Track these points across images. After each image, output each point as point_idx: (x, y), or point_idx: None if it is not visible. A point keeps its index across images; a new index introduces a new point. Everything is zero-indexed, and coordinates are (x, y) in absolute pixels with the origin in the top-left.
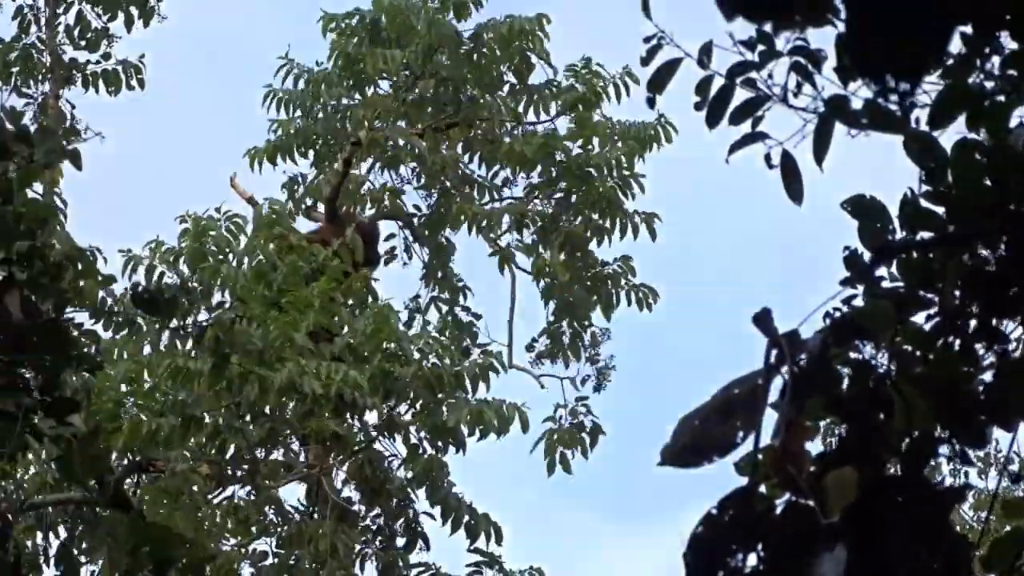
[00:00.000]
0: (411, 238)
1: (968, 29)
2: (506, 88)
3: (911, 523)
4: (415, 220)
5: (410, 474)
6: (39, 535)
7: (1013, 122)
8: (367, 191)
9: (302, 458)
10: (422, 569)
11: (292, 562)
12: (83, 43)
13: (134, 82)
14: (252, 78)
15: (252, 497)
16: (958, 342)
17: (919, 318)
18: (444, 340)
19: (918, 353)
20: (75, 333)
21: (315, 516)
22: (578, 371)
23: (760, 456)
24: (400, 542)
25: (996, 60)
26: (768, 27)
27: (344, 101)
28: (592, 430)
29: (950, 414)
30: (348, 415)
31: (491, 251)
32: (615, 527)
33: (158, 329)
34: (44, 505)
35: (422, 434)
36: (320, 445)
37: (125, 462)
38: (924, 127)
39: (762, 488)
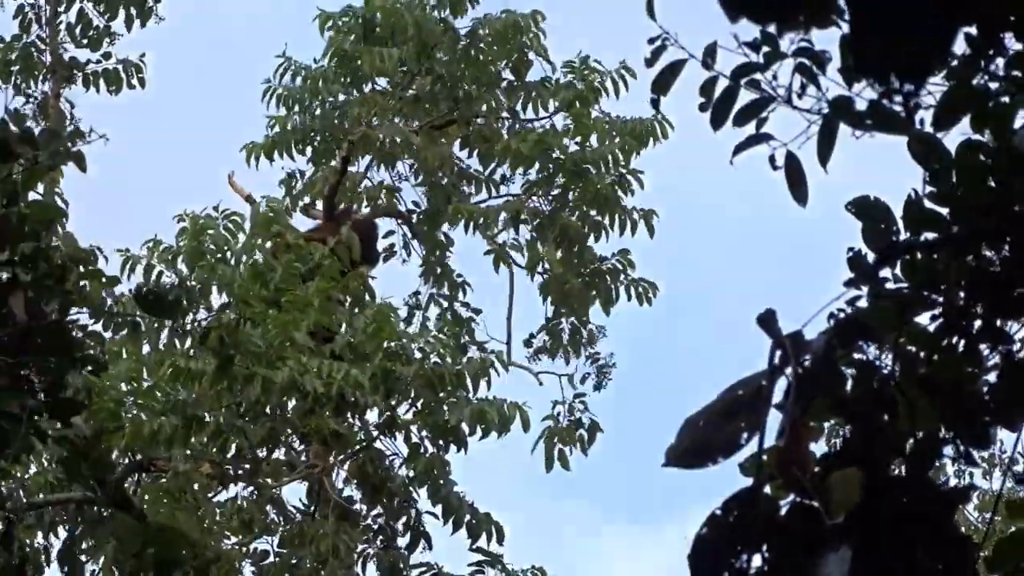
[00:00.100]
0: (409, 235)
1: (972, 30)
2: (503, 85)
3: (915, 524)
4: (413, 217)
5: (411, 473)
6: (39, 534)
7: (1017, 123)
8: (364, 189)
9: (303, 458)
10: (424, 569)
11: (294, 562)
12: (85, 41)
13: (135, 81)
14: (251, 77)
15: (254, 496)
16: (962, 343)
17: (923, 319)
18: (443, 338)
19: (922, 354)
20: (79, 334)
21: (316, 516)
22: (576, 368)
23: (765, 457)
24: (401, 542)
25: (1000, 61)
26: (772, 28)
27: (342, 98)
28: (590, 427)
29: (954, 415)
30: (349, 414)
31: (487, 249)
32: (619, 527)
33: (156, 328)
34: (45, 505)
35: (423, 433)
36: (321, 444)
37: (126, 461)
38: (928, 128)
39: (767, 489)
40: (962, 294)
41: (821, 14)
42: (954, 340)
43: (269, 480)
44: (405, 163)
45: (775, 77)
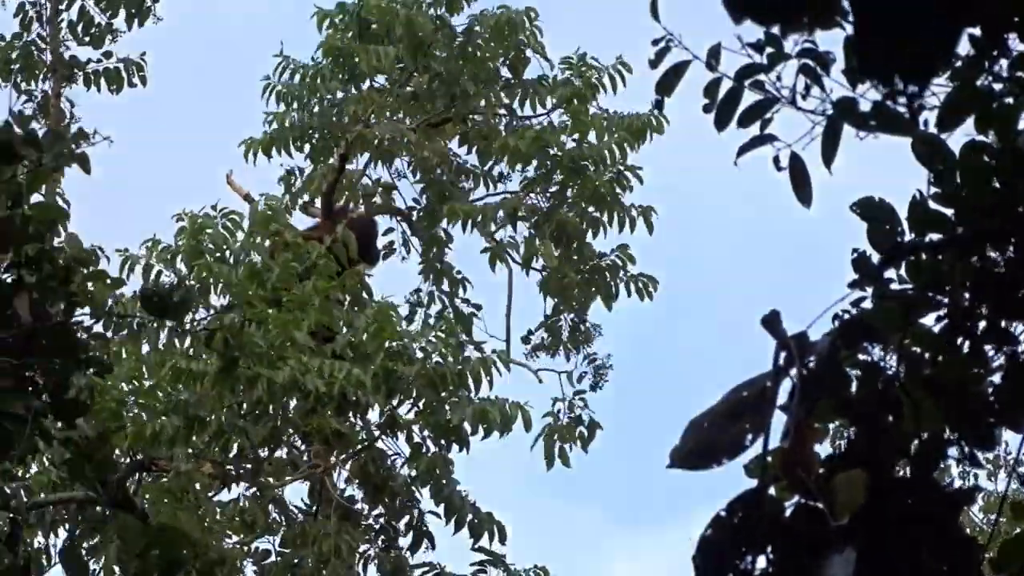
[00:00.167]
0: (409, 232)
1: (976, 31)
2: (501, 82)
3: (920, 525)
4: (413, 214)
5: (414, 472)
6: (39, 534)
7: (1021, 124)
8: (361, 186)
9: (305, 457)
10: (427, 569)
11: (295, 561)
12: (87, 39)
13: (136, 79)
14: (250, 75)
15: (256, 496)
16: (967, 344)
17: (928, 320)
18: (443, 336)
19: (927, 355)
20: (84, 336)
21: (318, 516)
22: (576, 365)
23: (769, 458)
24: (403, 542)
25: (1004, 62)
26: (776, 29)
27: (340, 95)
28: (590, 424)
29: (959, 416)
30: (351, 414)
31: (483, 248)
32: (623, 528)
33: (156, 328)
34: (45, 504)
35: (425, 433)
36: (323, 444)
37: (127, 461)
38: (932, 129)
39: (771, 490)
40: (967, 295)
41: (825, 15)
42: (959, 341)
43: (271, 480)
44: (403, 160)
45: (779, 78)
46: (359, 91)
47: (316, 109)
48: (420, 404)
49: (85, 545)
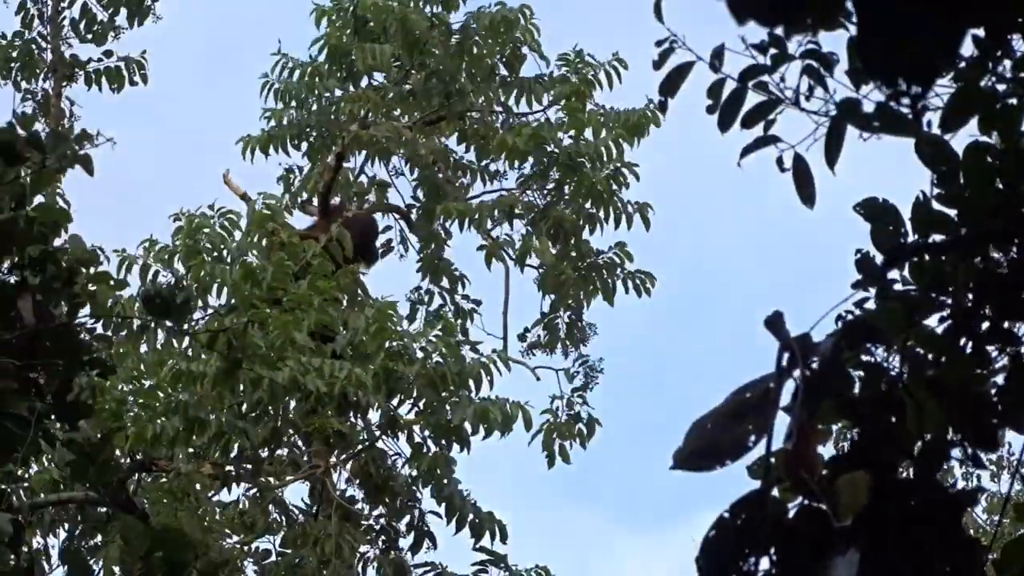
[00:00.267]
0: (407, 230)
1: (980, 32)
2: (497, 80)
3: (923, 526)
4: (412, 213)
5: (414, 472)
6: (38, 534)
7: None
8: (356, 185)
9: (305, 457)
10: (428, 568)
11: (296, 561)
12: (89, 36)
13: (137, 78)
14: (249, 74)
15: (256, 497)
16: (970, 345)
17: (931, 321)
18: (442, 336)
19: (930, 356)
20: (87, 337)
21: (318, 516)
22: (572, 364)
23: (773, 460)
24: (404, 542)
25: (1008, 63)
26: (780, 30)
27: (338, 93)
28: (588, 421)
29: (962, 417)
30: (351, 414)
31: (479, 245)
32: (626, 529)
33: (153, 328)
34: (45, 505)
35: (426, 433)
36: (323, 444)
37: (128, 462)
38: (936, 130)
39: (775, 492)
40: (970, 296)
41: (828, 16)
42: (962, 342)
43: (271, 480)
44: (400, 158)
45: (783, 79)
46: (357, 88)
47: (314, 107)
48: (420, 404)
49: (84, 545)
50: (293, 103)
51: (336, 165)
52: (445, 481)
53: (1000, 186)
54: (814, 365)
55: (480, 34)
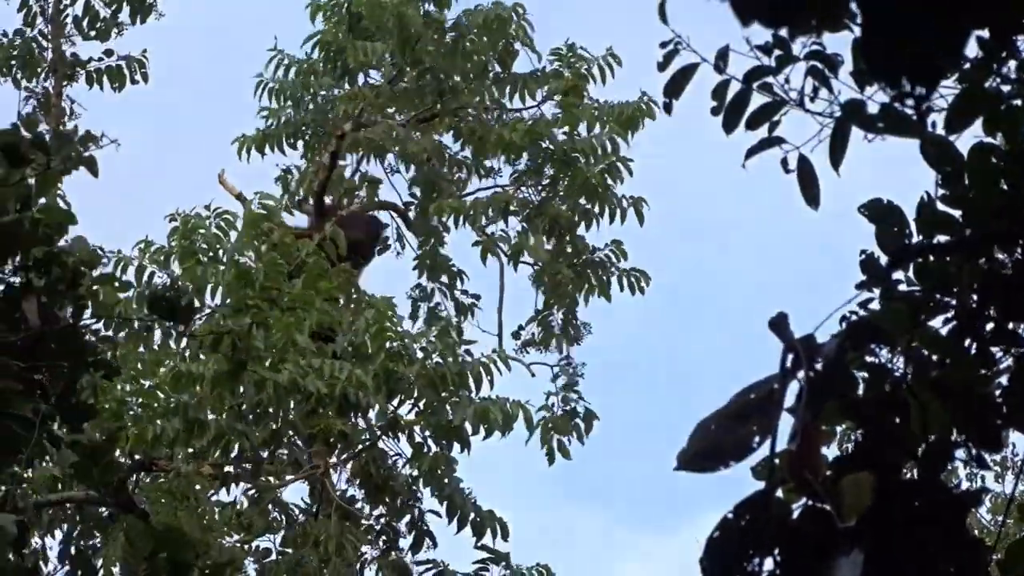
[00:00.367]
0: (404, 227)
1: (985, 33)
2: (490, 76)
3: (928, 527)
4: (410, 211)
5: (415, 472)
6: (35, 535)
7: None
8: (346, 183)
9: (306, 457)
10: (429, 566)
11: (299, 560)
12: (92, 33)
13: (138, 76)
14: (250, 70)
15: (255, 497)
16: (974, 346)
17: (936, 322)
18: (439, 336)
19: (935, 357)
20: (92, 339)
21: (319, 516)
22: (556, 364)
23: (776, 461)
24: (404, 542)
25: (1012, 64)
26: (784, 32)
27: (335, 91)
28: (586, 415)
29: (966, 418)
30: (352, 414)
31: (474, 241)
32: (630, 528)
33: (157, 330)
34: (45, 505)
35: (427, 433)
36: (324, 445)
37: (128, 462)
38: (941, 131)
39: (779, 493)
40: (975, 297)
41: (833, 17)
42: (966, 343)
43: (271, 479)
44: (396, 155)
45: (787, 80)
46: (352, 86)
47: (310, 106)
48: (421, 404)
49: (84, 546)
50: (288, 102)
51: (330, 164)
52: (446, 481)
53: (1005, 187)
54: (818, 366)
55: (474, 31)
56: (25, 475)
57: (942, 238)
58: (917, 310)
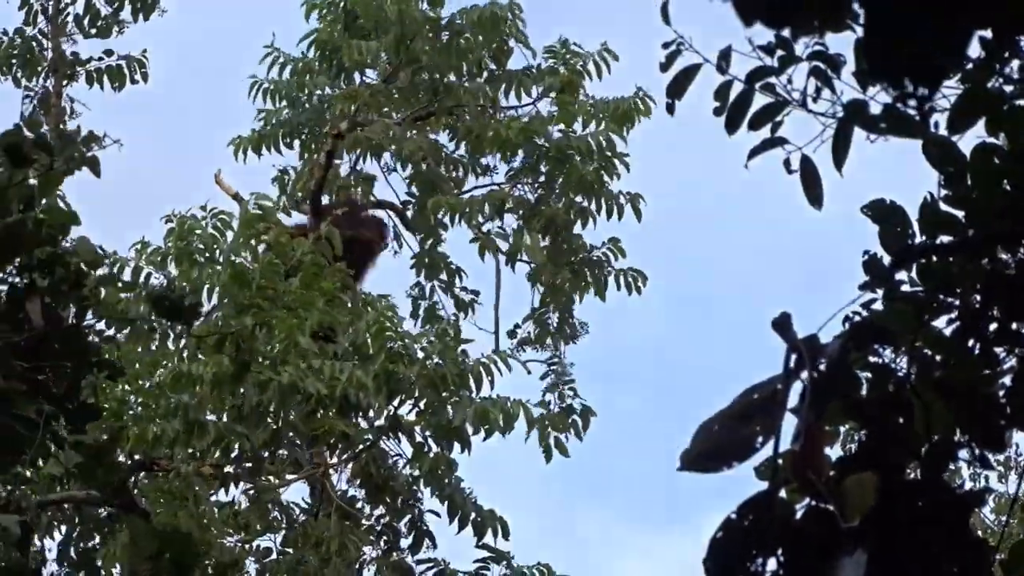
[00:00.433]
0: (401, 226)
1: (987, 33)
2: (485, 74)
3: (931, 527)
4: (409, 210)
5: (416, 472)
6: (36, 535)
7: None
8: (341, 180)
9: (308, 456)
10: (430, 565)
11: (299, 560)
12: (93, 31)
13: (138, 76)
14: (247, 71)
15: (254, 497)
16: (978, 346)
17: (939, 322)
18: (438, 337)
19: (938, 357)
20: (95, 339)
21: (319, 516)
22: (547, 361)
23: (780, 461)
24: (404, 542)
25: (1015, 64)
26: (787, 32)
27: (328, 91)
28: (583, 412)
29: (970, 418)
30: (353, 415)
31: (472, 238)
32: (634, 528)
33: (155, 330)
34: (47, 505)
35: (427, 433)
36: (325, 445)
37: (128, 462)
38: (943, 132)
39: (782, 493)
40: (978, 297)
41: (835, 18)
42: (970, 343)
43: (272, 479)
44: (392, 154)
45: (790, 81)
46: (348, 85)
47: (307, 105)
48: (421, 405)
49: (84, 547)
50: (284, 103)
51: (327, 163)
52: (447, 481)
53: (1007, 187)
54: (822, 366)
55: (468, 29)
56: (28, 475)
57: (945, 238)
58: (920, 310)
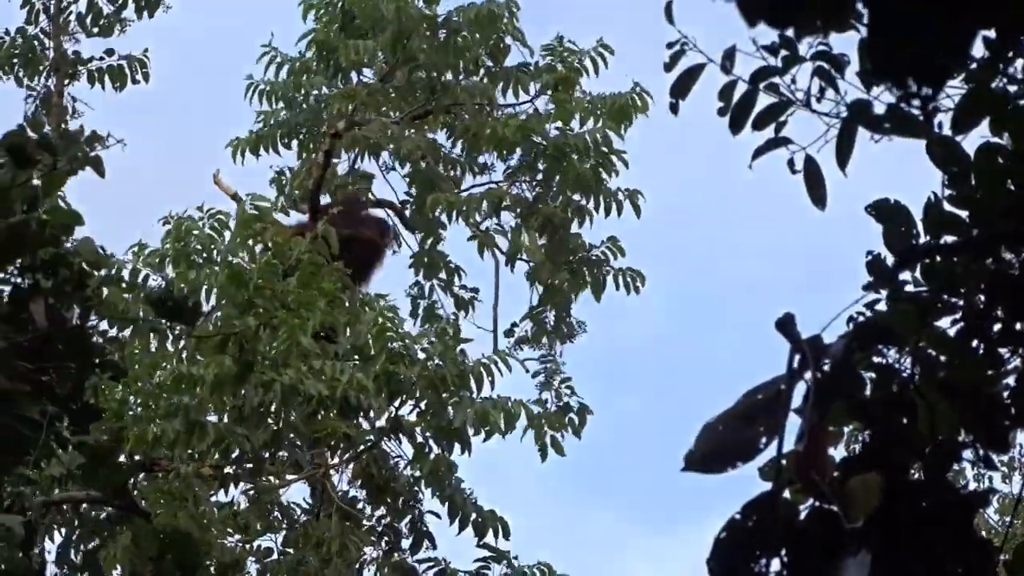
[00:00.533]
0: (400, 225)
1: (991, 33)
2: (482, 72)
3: (935, 528)
4: (407, 209)
5: (417, 473)
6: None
7: None
8: (339, 179)
9: (309, 457)
10: (431, 564)
11: (300, 560)
12: (96, 30)
13: (139, 76)
14: (247, 71)
15: (254, 497)
16: (982, 346)
17: (943, 322)
18: (438, 339)
19: (942, 358)
20: (99, 340)
21: (320, 516)
22: (539, 359)
23: (784, 461)
24: (405, 543)
25: (1019, 64)
26: (791, 32)
27: (325, 90)
28: (579, 410)
29: (974, 418)
30: (353, 416)
31: (470, 235)
32: (636, 528)
33: (156, 329)
34: (50, 505)
35: (428, 434)
36: (326, 446)
37: (129, 462)
38: (947, 131)
39: (786, 493)
40: (982, 297)
41: (839, 18)
42: (974, 344)
43: (272, 479)
44: (390, 152)
45: (794, 81)
46: (345, 85)
47: (304, 105)
48: (422, 405)
49: (84, 548)
50: (280, 104)
51: (325, 162)
52: (447, 482)
53: (1012, 187)
54: (825, 367)
55: (465, 27)
56: (31, 476)
57: (949, 238)
58: (924, 311)
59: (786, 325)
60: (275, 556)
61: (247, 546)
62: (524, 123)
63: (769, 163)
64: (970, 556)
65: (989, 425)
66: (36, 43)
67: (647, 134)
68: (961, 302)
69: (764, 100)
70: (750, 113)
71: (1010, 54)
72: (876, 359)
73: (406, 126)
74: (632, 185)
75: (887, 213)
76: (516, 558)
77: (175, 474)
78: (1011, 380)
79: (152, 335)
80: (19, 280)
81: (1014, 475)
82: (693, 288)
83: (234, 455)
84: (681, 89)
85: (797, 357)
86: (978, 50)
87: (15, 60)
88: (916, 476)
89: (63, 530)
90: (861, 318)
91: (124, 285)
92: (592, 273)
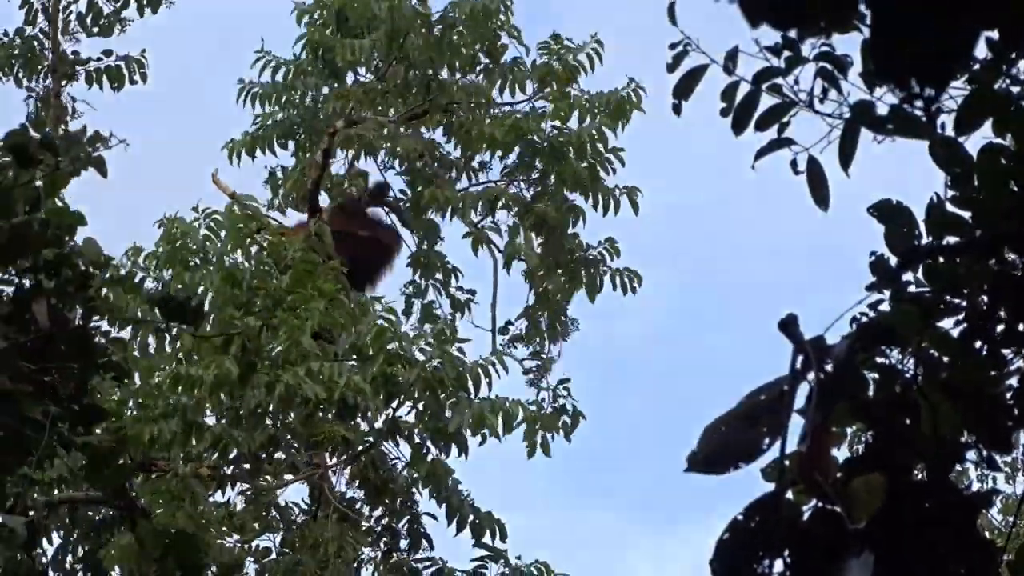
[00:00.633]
0: (398, 224)
1: (994, 34)
2: (478, 70)
3: (938, 528)
4: (403, 206)
5: (415, 474)
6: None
7: None
8: (337, 179)
9: (306, 459)
10: (428, 564)
11: (298, 559)
12: (95, 29)
13: (137, 76)
14: (246, 70)
15: (251, 497)
16: (985, 347)
17: (946, 323)
18: (436, 341)
19: (945, 358)
20: (102, 341)
21: (317, 517)
22: (529, 357)
23: (787, 462)
24: (403, 544)
25: (1022, 65)
26: (793, 33)
27: (324, 91)
28: (573, 414)
29: (977, 419)
30: (351, 418)
31: (465, 233)
32: (638, 529)
33: (160, 330)
34: (53, 506)
35: (425, 436)
36: (324, 448)
37: (128, 463)
38: (950, 132)
39: (789, 494)
40: (985, 298)
41: (842, 18)
42: (977, 344)
43: (270, 480)
44: (387, 152)
45: (796, 82)
46: (342, 85)
47: (300, 105)
48: (420, 407)
49: (84, 549)
50: (276, 107)
51: (323, 162)
52: (446, 484)
53: (1015, 188)
54: (828, 367)
55: (462, 23)
56: (33, 477)
57: (952, 239)
58: (927, 311)
59: (789, 326)
60: (273, 556)
61: (245, 546)
62: (517, 122)
63: (771, 163)
64: (973, 557)
65: (992, 426)
66: (35, 43)
67: (649, 134)
68: (964, 303)
69: (767, 101)
70: (753, 114)
71: (1013, 55)
72: (879, 360)
73: (402, 124)
74: (631, 183)
75: (889, 214)
76: (519, 557)
77: (173, 474)
78: (1014, 381)
79: (152, 335)
80: (22, 280)
81: (1017, 476)
82: (696, 288)
83: (232, 455)
84: (684, 90)
85: (800, 358)
86: (981, 51)
87: (14, 61)
88: (919, 477)
89: (60, 532)
90: (864, 319)
91: (123, 287)
92: (588, 273)
